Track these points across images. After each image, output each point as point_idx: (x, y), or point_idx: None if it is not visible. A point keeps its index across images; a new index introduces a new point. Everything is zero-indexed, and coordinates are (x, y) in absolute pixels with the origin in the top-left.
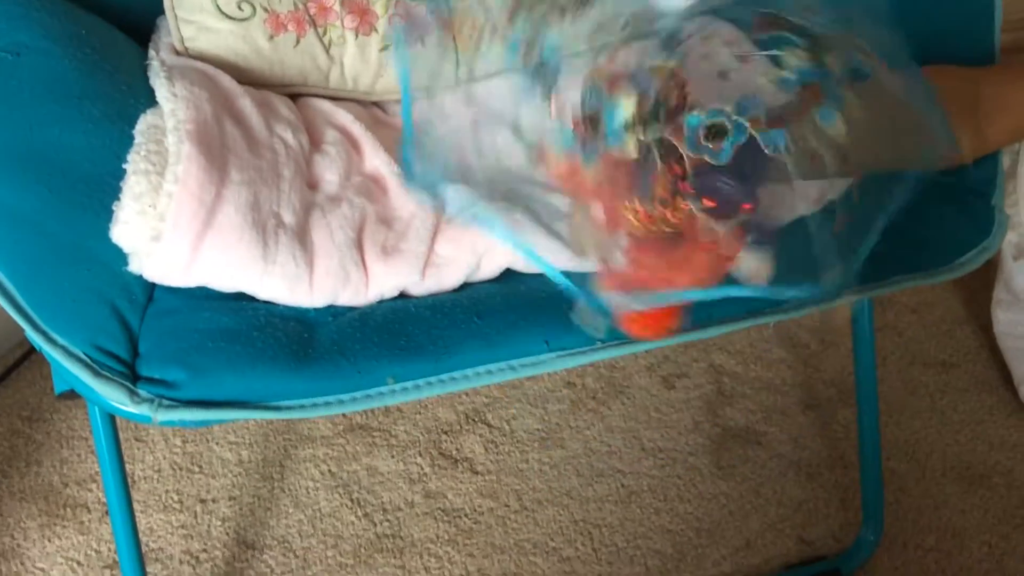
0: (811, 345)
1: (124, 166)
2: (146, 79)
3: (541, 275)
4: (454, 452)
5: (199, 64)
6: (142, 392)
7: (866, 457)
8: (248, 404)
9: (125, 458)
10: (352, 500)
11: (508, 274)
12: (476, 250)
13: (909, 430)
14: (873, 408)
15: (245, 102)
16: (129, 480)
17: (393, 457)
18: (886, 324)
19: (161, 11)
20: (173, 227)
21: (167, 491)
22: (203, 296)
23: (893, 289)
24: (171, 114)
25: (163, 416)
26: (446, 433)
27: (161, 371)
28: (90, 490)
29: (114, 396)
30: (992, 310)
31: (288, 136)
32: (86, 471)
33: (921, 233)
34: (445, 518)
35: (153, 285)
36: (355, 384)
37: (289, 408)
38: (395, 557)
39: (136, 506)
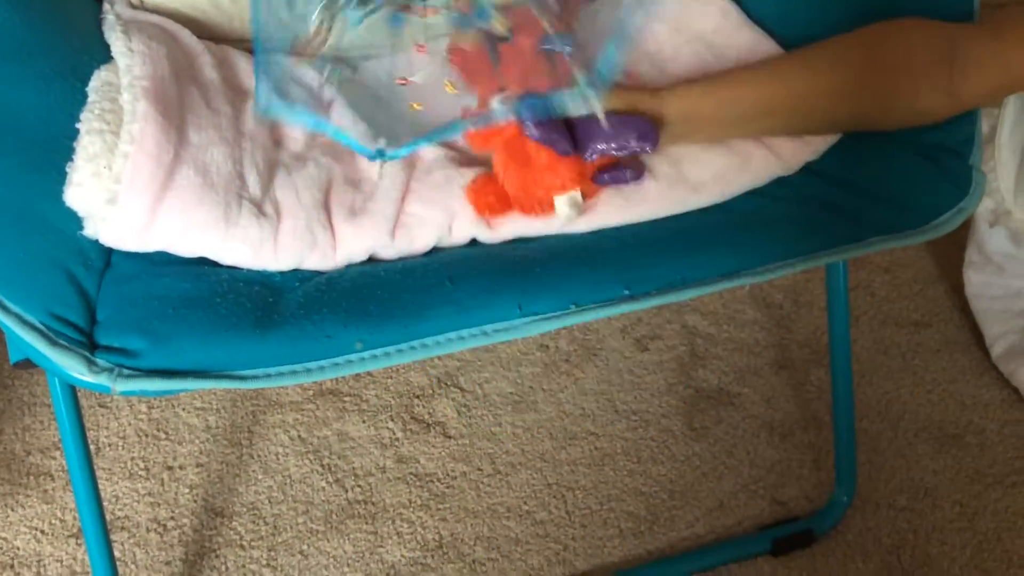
0: (784, 306)
1: (77, 125)
2: (101, 34)
3: (513, 240)
4: (426, 416)
5: (156, 18)
6: (100, 361)
7: (839, 418)
8: (211, 373)
9: (89, 425)
10: (323, 466)
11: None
12: (448, 209)
13: (882, 390)
14: (847, 369)
15: (205, 59)
16: (94, 447)
17: (364, 422)
18: (859, 283)
19: None
20: (129, 189)
21: (133, 458)
22: (163, 261)
23: (869, 250)
24: (127, 70)
25: (123, 386)
26: (418, 397)
27: (120, 339)
28: (54, 458)
29: (71, 366)
30: (964, 271)
31: (250, 93)
32: (49, 438)
33: (897, 193)
34: (417, 483)
35: (110, 250)
36: (322, 351)
37: (254, 377)
38: (367, 523)
39: (101, 473)
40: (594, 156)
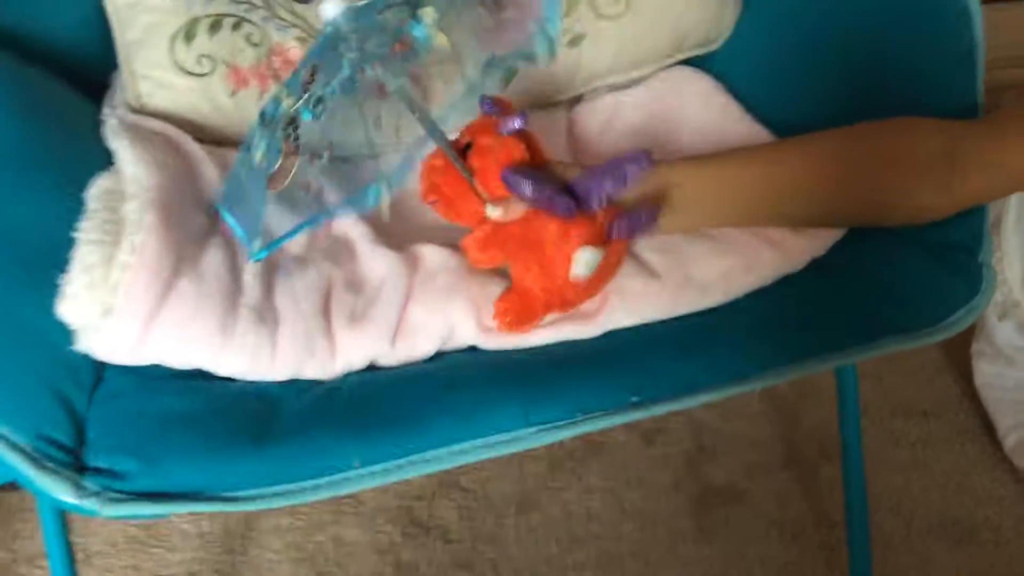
0: (789, 397)
1: (75, 235)
2: (98, 140)
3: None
4: (426, 519)
5: (159, 124)
6: (88, 485)
7: (853, 520)
8: (203, 496)
9: (80, 531)
10: (318, 574)
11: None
12: (450, 318)
13: (893, 485)
14: (859, 470)
15: (208, 165)
16: (83, 555)
17: (361, 526)
18: (866, 372)
19: (116, 66)
20: (125, 300)
21: (123, 566)
22: (156, 376)
23: (880, 352)
24: (134, 180)
25: (110, 511)
26: (417, 499)
27: (109, 460)
28: (41, 567)
29: (58, 489)
30: (974, 362)
31: None
32: (37, 547)
33: (906, 292)
34: None
35: (102, 365)
36: (319, 469)
37: (248, 499)
38: None
39: None
40: (601, 201)
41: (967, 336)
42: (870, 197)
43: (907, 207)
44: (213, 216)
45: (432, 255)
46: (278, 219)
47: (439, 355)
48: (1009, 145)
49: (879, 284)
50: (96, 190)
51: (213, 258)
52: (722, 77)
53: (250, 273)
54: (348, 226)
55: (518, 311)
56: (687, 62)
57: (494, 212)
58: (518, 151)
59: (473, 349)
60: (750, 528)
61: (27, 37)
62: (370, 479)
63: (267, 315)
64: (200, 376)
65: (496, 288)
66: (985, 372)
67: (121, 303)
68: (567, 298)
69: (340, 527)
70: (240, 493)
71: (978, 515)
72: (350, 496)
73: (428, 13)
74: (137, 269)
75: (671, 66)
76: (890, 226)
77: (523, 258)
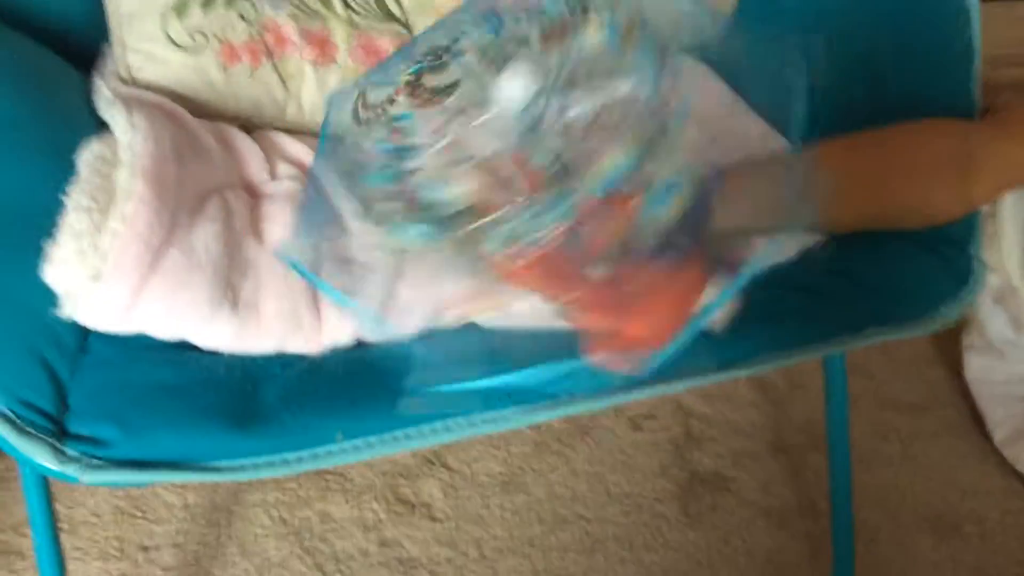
0: (780, 386)
1: (63, 197)
2: (87, 110)
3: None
4: (411, 497)
5: (154, 96)
6: (69, 451)
7: (838, 510)
8: (184, 465)
9: (65, 502)
10: (303, 548)
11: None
12: (439, 297)
13: (880, 478)
14: (845, 463)
15: (207, 137)
16: (68, 525)
17: (347, 502)
18: (855, 365)
19: (106, 37)
20: (115, 267)
21: (107, 537)
22: (141, 346)
23: (867, 342)
24: (128, 147)
25: (90, 477)
26: (403, 477)
27: (91, 428)
28: (25, 535)
29: (38, 455)
30: (964, 355)
31: (247, 173)
32: (21, 514)
33: (896, 284)
34: (400, 568)
35: (86, 333)
36: (301, 442)
37: (229, 469)
38: None
39: (75, 553)
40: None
41: (958, 329)
42: (890, 203)
43: (924, 212)
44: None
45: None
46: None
47: (429, 333)
48: (1019, 142)
49: (870, 275)
50: (88, 155)
51: (206, 230)
52: (719, 69)
53: (240, 247)
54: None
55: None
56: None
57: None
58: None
59: (462, 327)
60: (735, 515)
61: (16, 5)
62: (353, 453)
63: (255, 288)
64: (185, 348)
65: (485, 264)
66: (975, 365)
67: (110, 270)
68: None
69: (326, 503)
70: (222, 464)
71: (964, 508)
72: (337, 473)
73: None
74: (127, 237)
75: None
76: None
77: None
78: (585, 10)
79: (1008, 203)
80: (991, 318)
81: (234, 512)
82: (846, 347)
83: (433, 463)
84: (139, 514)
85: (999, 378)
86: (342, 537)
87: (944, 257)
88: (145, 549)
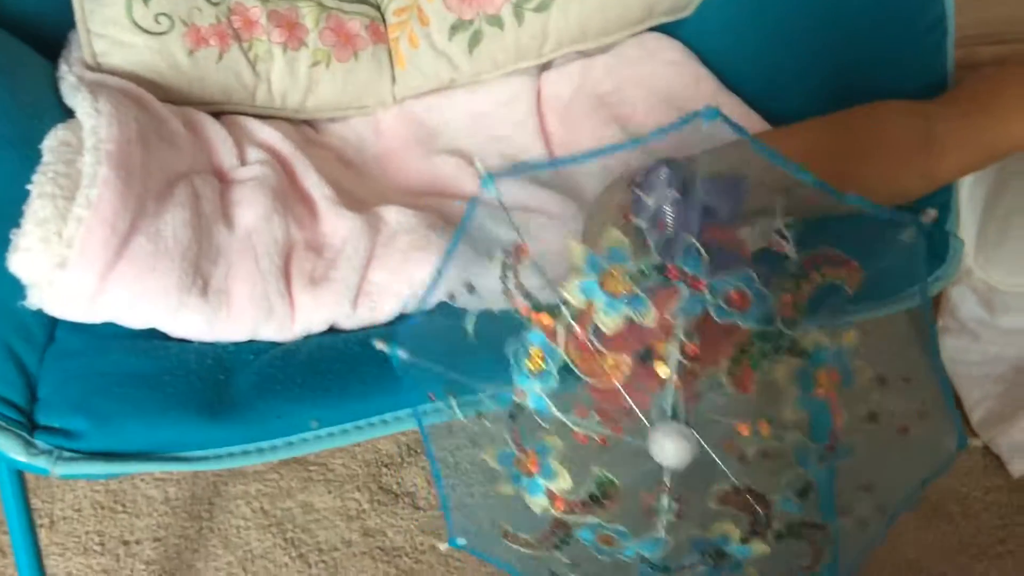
0: None
1: (28, 187)
2: (54, 97)
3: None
4: (395, 486)
5: (119, 81)
6: (39, 443)
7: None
8: (157, 455)
9: (44, 497)
10: (286, 540)
11: (445, 306)
12: (412, 279)
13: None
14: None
15: (174, 122)
16: (47, 520)
17: (330, 493)
18: None
19: (72, 24)
20: (80, 254)
21: (88, 532)
22: (110, 335)
23: (843, 321)
24: (92, 132)
25: (62, 469)
26: (386, 466)
27: (61, 419)
28: (3, 532)
29: (8, 447)
30: (940, 337)
31: (216, 158)
32: None
33: (872, 263)
34: (384, 558)
35: (54, 323)
36: (275, 430)
37: (203, 459)
38: None
39: (55, 548)
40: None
41: (935, 309)
42: (853, 185)
43: (890, 193)
44: None
45: (394, 216)
46: None
47: (402, 318)
48: (983, 122)
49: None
50: (52, 141)
51: (175, 216)
52: (692, 44)
53: (210, 232)
54: (311, 187)
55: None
56: (658, 28)
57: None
58: None
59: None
60: None
61: None
62: (327, 440)
63: (225, 274)
64: (155, 336)
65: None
66: (950, 347)
67: (76, 257)
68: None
69: (308, 494)
70: (195, 453)
71: (945, 488)
72: (319, 463)
73: None
74: (92, 223)
75: (641, 33)
76: None
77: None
78: None
79: (965, 184)
80: (962, 299)
81: (215, 504)
82: (822, 327)
83: (416, 451)
84: (119, 508)
85: (974, 359)
86: (325, 527)
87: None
88: (126, 543)
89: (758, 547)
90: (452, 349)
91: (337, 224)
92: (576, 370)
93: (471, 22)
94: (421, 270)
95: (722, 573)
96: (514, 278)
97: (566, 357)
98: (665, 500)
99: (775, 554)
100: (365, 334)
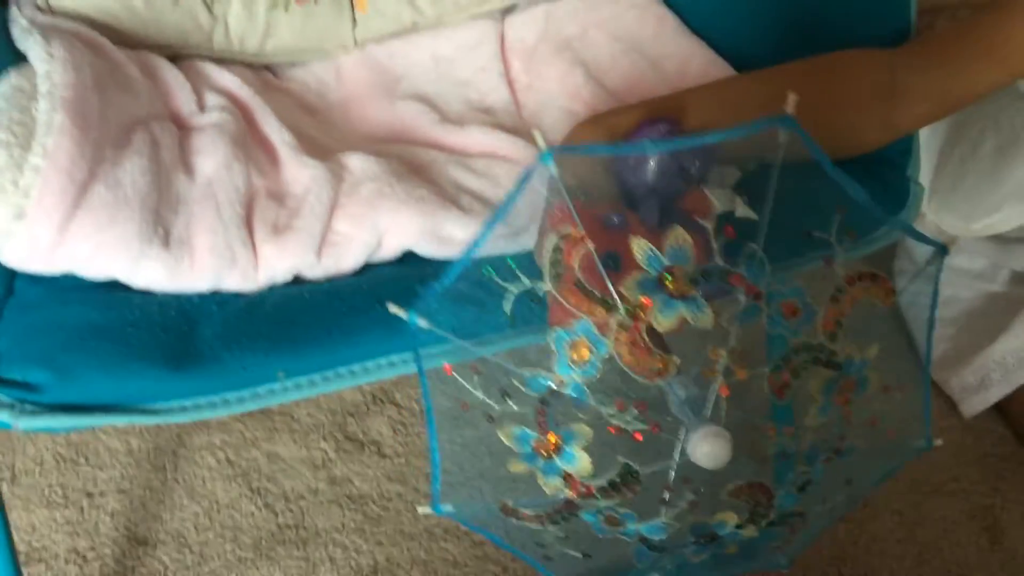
0: None
1: None
2: (4, 41)
3: (445, 260)
4: (360, 435)
5: (73, 24)
6: (1, 397)
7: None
8: (121, 408)
9: (4, 450)
10: (251, 489)
11: (411, 256)
12: (377, 228)
13: None
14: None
15: (131, 67)
16: (9, 474)
17: (295, 442)
18: None
19: None
20: (38, 204)
21: (50, 485)
22: (70, 287)
23: (802, 267)
24: (45, 77)
25: (25, 423)
26: (352, 415)
27: (22, 372)
28: None
29: None
30: (895, 279)
31: (174, 105)
32: None
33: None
34: (351, 505)
35: (13, 275)
36: (241, 381)
37: (168, 411)
38: (298, 549)
39: (17, 502)
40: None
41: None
42: (815, 133)
43: (851, 144)
44: None
45: (358, 164)
46: None
47: (368, 267)
48: (947, 71)
49: (803, 196)
50: (4, 87)
51: (133, 164)
52: None
53: (169, 180)
54: (272, 133)
55: None
56: None
57: None
58: None
59: (401, 261)
60: None
61: None
62: (295, 392)
63: (186, 223)
64: (117, 288)
65: (425, 192)
66: (907, 290)
67: (33, 207)
68: None
69: (274, 444)
70: (159, 405)
71: None
72: (283, 412)
73: None
74: (49, 172)
75: None
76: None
77: None
78: None
79: (923, 130)
80: (917, 243)
81: (179, 455)
82: (783, 270)
83: (381, 400)
84: (82, 460)
85: (928, 301)
86: (291, 477)
87: (881, 179)
88: (90, 495)
89: (748, 532)
90: (478, 326)
91: (299, 172)
92: (623, 366)
93: None
94: (385, 218)
95: (707, 550)
96: (566, 265)
97: (614, 351)
98: (688, 494)
99: (758, 537)
100: (331, 284)
